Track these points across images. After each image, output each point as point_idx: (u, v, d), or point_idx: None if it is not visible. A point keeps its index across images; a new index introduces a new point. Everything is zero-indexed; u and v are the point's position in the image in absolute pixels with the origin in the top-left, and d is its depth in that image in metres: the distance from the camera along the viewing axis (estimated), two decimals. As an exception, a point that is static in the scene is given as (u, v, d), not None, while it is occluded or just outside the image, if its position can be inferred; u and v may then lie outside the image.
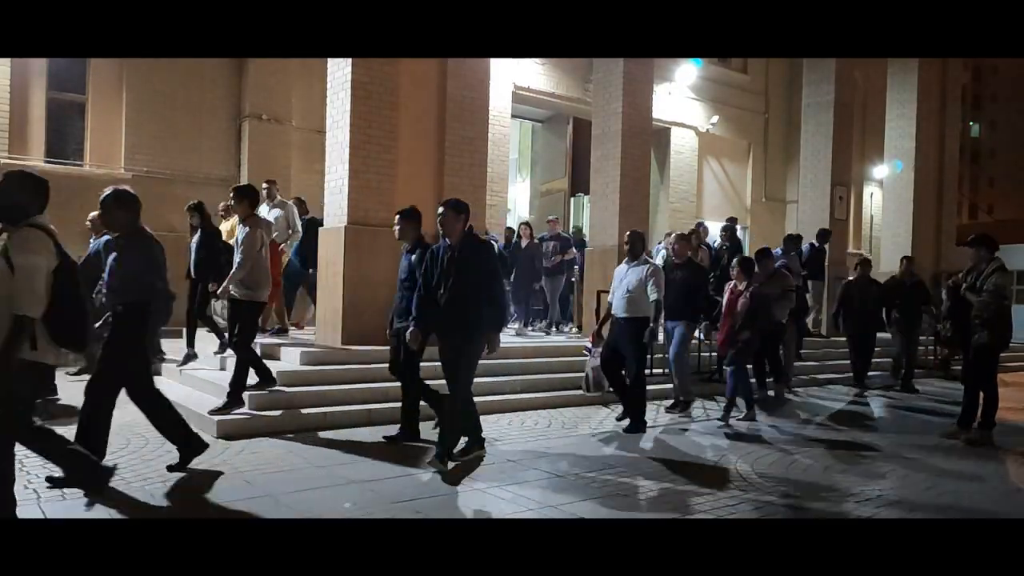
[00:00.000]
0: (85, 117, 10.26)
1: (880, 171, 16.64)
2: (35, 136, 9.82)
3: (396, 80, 7.39)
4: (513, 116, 12.62)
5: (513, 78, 12.22)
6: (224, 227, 8.29)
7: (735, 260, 7.11)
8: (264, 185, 8.31)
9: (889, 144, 15.31)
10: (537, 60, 12.72)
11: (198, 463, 4.52)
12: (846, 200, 12.84)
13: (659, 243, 11.33)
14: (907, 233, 14.56)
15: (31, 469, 4.31)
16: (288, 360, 6.59)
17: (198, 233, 7.18)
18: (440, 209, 4.75)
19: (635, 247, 6.29)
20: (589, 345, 6.49)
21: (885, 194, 16.07)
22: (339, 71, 7.32)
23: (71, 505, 3.74)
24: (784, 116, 16.87)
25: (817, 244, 11.23)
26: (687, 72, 14.42)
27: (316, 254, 7.73)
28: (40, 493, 3.87)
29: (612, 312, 6.30)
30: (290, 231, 8.25)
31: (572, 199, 14.36)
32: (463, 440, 4.87)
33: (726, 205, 16.45)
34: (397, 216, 5.39)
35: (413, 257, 5.19)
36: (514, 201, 15.06)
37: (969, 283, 6.14)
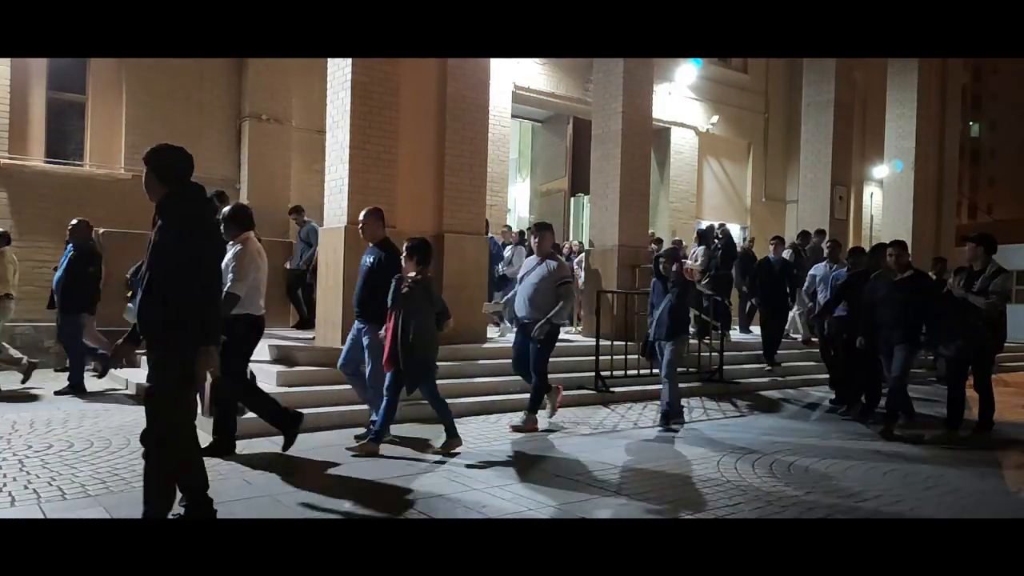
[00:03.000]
0: (85, 117, 10.25)
1: (880, 171, 16.64)
2: (35, 136, 9.81)
3: (396, 80, 7.39)
4: (513, 116, 12.61)
5: (513, 78, 12.21)
6: None
7: (406, 243, 5.17)
8: None
9: (889, 144, 15.31)
10: (537, 60, 12.72)
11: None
12: (846, 200, 12.84)
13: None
14: (907, 233, 14.55)
15: (31, 469, 4.32)
16: (288, 360, 6.60)
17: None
18: None
19: (228, 226, 4.75)
20: None
21: (885, 194, 16.06)
22: (339, 71, 7.32)
23: (71, 505, 3.74)
24: (784, 116, 16.87)
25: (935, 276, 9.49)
26: (687, 72, 14.41)
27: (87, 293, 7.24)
28: (40, 493, 3.87)
29: None
30: None
31: (572, 199, 14.36)
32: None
33: (726, 205, 16.46)
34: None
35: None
36: (514, 201, 15.06)
37: (975, 285, 6.01)
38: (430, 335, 5.04)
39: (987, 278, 5.96)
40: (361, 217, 5.46)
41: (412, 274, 5.00)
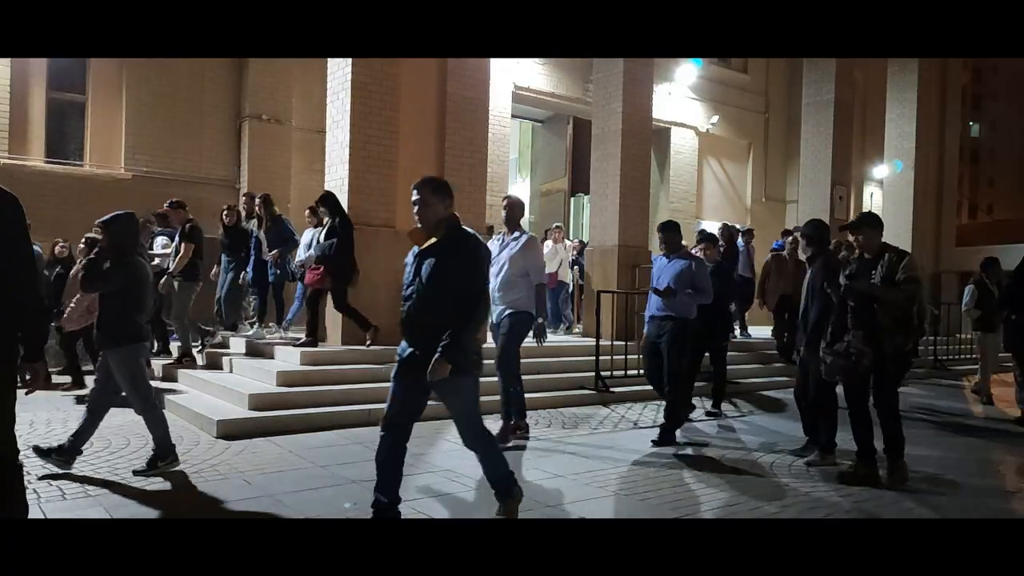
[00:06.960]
0: (85, 117, 10.26)
1: (880, 171, 16.65)
2: (35, 136, 9.82)
3: (396, 80, 7.39)
4: (513, 116, 12.61)
5: (513, 78, 12.21)
6: None
7: None
8: None
9: (889, 144, 15.31)
10: (537, 60, 12.71)
11: (200, 462, 4.53)
12: (846, 200, 12.84)
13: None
14: (907, 233, 14.57)
15: (31, 469, 4.31)
16: (288, 360, 6.60)
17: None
18: None
19: None
20: None
21: (885, 194, 16.07)
22: (339, 71, 7.33)
23: (71, 505, 3.74)
24: (784, 116, 16.86)
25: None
26: (687, 72, 14.41)
27: None
28: (40, 493, 3.87)
29: None
30: None
31: (572, 199, 14.36)
32: None
33: (726, 205, 16.45)
34: None
35: None
36: (514, 201, 15.03)
37: (874, 275, 4.57)
38: None
39: (893, 264, 4.51)
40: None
41: None
